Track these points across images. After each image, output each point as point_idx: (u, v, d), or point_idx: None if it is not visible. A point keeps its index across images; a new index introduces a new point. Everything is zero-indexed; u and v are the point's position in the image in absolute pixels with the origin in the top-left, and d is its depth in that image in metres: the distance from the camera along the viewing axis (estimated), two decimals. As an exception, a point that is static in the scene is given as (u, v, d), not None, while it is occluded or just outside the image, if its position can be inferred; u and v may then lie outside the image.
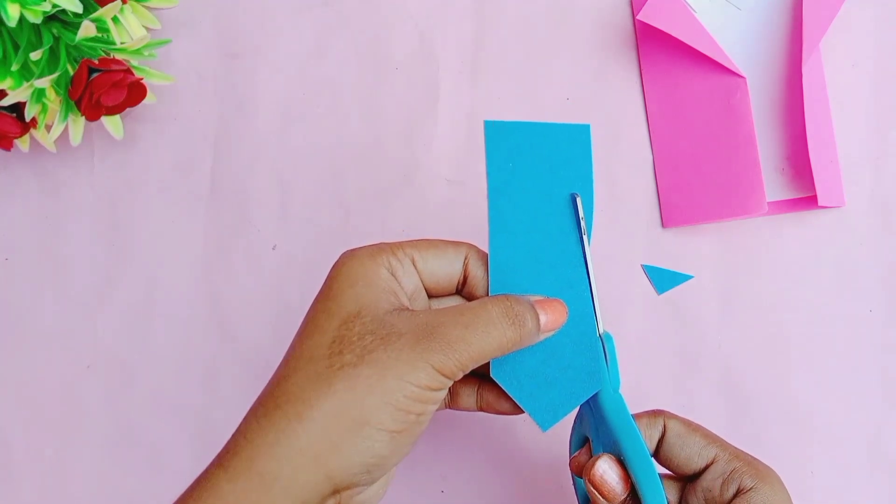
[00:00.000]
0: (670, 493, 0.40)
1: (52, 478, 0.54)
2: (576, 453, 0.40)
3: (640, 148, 0.52)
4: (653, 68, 0.51)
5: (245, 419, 0.35)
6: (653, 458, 0.37)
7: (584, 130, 0.39)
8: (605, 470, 0.37)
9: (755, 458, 0.39)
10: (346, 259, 0.37)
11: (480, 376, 0.41)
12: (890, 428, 0.50)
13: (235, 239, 0.54)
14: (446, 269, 0.38)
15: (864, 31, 0.50)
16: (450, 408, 0.41)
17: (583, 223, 0.39)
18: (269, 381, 0.36)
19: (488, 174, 0.39)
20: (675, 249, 0.51)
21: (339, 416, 0.33)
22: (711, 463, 0.38)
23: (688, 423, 0.39)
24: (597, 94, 0.52)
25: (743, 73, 0.49)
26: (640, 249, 0.51)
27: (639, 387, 0.51)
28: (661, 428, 0.39)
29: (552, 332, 0.38)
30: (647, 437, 0.39)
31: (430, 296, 0.39)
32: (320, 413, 0.33)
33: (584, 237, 0.39)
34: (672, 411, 0.40)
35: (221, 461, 0.34)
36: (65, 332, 0.54)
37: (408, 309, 0.36)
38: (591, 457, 0.39)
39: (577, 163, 0.39)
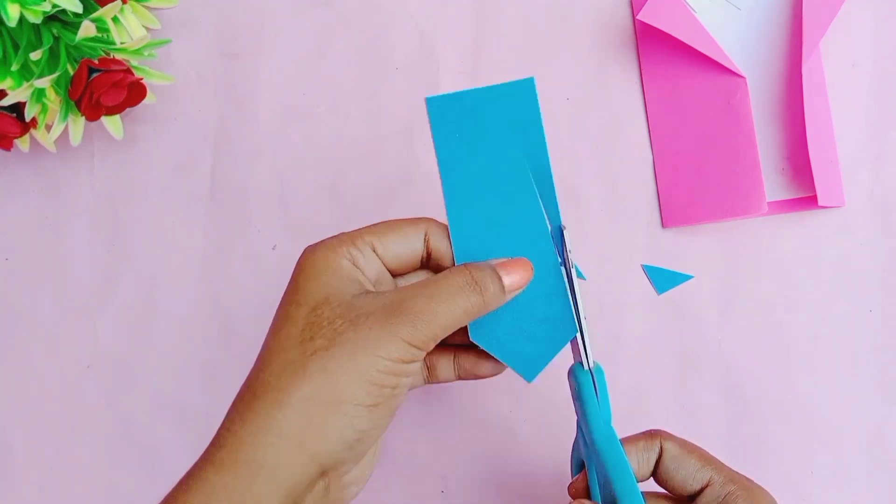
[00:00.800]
0: None
1: (52, 478, 0.54)
2: (574, 479, 0.41)
3: (640, 148, 0.52)
4: (653, 68, 0.51)
5: (227, 413, 0.36)
6: (642, 495, 0.37)
7: (528, 85, 0.39)
8: None
9: (751, 481, 0.39)
10: (309, 254, 0.38)
11: (455, 346, 0.42)
12: (890, 428, 0.50)
13: (235, 239, 0.54)
14: (407, 249, 0.39)
15: (864, 31, 0.50)
16: (430, 382, 0.42)
17: (568, 255, 0.39)
18: (248, 376, 0.37)
19: (437, 150, 0.40)
20: (675, 249, 0.51)
21: (315, 399, 0.34)
22: (707, 485, 0.39)
23: (684, 445, 0.40)
24: (597, 93, 0.52)
25: (743, 73, 0.49)
26: (640, 249, 0.51)
27: (639, 387, 0.51)
28: (657, 450, 0.39)
29: (519, 290, 0.39)
30: (645, 460, 0.39)
31: (396, 275, 0.40)
32: (297, 398, 0.34)
33: (569, 256, 0.40)
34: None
35: (208, 455, 0.35)
36: (65, 332, 0.54)
37: (373, 292, 0.37)
38: (587, 482, 0.40)
39: (525, 119, 0.39)
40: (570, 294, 0.40)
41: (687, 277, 0.51)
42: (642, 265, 0.51)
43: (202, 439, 0.54)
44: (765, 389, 0.50)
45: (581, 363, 0.40)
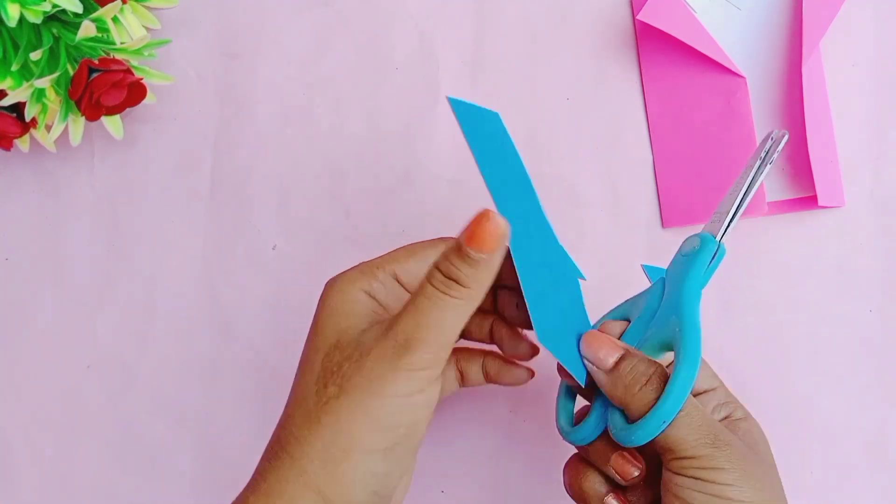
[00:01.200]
0: None
1: (52, 478, 0.54)
2: (569, 459, 0.41)
3: (640, 148, 0.52)
4: (653, 68, 0.51)
5: (259, 462, 0.37)
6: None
7: (490, 117, 0.40)
8: (600, 346, 0.38)
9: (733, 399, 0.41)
10: (328, 289, 0.38)
11: (484, 351, 0.42)
12: (890, 428, 0.50)
13: (235, 239, 0.54)
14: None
15: (864, 31, 0.50)
16: (464, 386, 0.42)
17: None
18: (277, 423, 0.37)
19: (471, 147, 0.39)
20: (675, 249, 0.51)
21: (329, 449, 0.34)
22: (711, 390, 0.40)
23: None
24: (597, 94, 0.52)
25: (743, 73, 0.49)
26: (640, 249, 0.51)
27: (639, 387, 0.51)
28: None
29: (492, 252, 0.35)
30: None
31: None
32: (313, 449, 0.35)
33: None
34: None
35: (243, 500, 0.36)
36: (65, 332, 0.54)
37: (378, 322, 0.37)
38: (585, 463, 0.40)
39: (494, 141, 0.40)
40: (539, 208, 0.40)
41: (687, 277, 0.51)
42: (642, 265, 0.51)
43: (202, 439, 0.54)
44: (765, 389, 0.50)
45: (713, 235, 0.40)
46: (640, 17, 0.48)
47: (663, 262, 0.51)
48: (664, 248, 0.51)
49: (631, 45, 0.52)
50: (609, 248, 0.51)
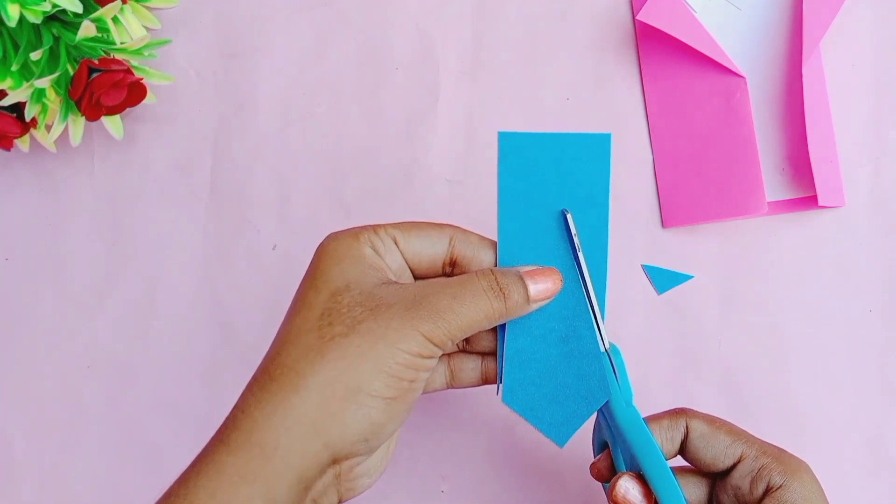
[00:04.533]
0: (701, 489, 0.40)
1: (52, 478, 0.54)
2: (595, 459, 0.41)
3: (640, 148, 0.52)
4: (653, 68, 0.51)
5: (242, 395, 0.36)
6: (672, 473, 0.37)
7: (604, 140, 0.39)
8: (628, 489, 0.37)
9: (783, 451, 0.38)
10: (330, 240, 0.38)
11: (482, 353, 0.41)
12: (890, 428, 0.50)
13: (235, 239, 0.54)
14: (430, 251, 0.39)
15: (864, 31, 0.50)
16: (452, 387, 0.42)
17: (576, 239, 0.39)
18: (263, 359, 0.36)
19: (499, 185, 0.39)
20: (675, 249, 0.51)
21: (333, 385, 0.34)
22: (739, 461, 0.38)
23: (711, 421, 0.39)
24: (597, 94, 0.52)
25: (743, 73, 0.49)
26: (640, 249, 0.51)
27: (639, 387, 0.51)
28: (683, 429, 0.39)
29: (546, 301, 0.38)
30: (670, 440, 0.39)
31: (417, 276, 0.40)
32: (315, 382, 0.34)
33: (580, 253, 0.39)
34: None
35: (221, 436, 0.35)
36: (65, 332, 0.54)
37: (395, 282, 0.37)
38: (610, 462, 0.40)
39: (593, 174, 0.39)
40: (581, 281, 0.39)
41: (687, 277, 0.51)
42: (642, 265, 0.51)
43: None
44: (765, 389, 0.50)
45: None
46: (640, 17, 0.48)
47: (663, 263, 0.51)
48: (664, 248, 0.51)
49: (631, 45, 0.52)
50: (609, 248, 0.51)
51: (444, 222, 0.40)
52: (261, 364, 0.36)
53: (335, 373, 0.34)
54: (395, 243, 0.38)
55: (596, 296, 0.39)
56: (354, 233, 0.38)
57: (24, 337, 0.54)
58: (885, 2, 0.50)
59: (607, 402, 0.39)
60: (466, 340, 0.41)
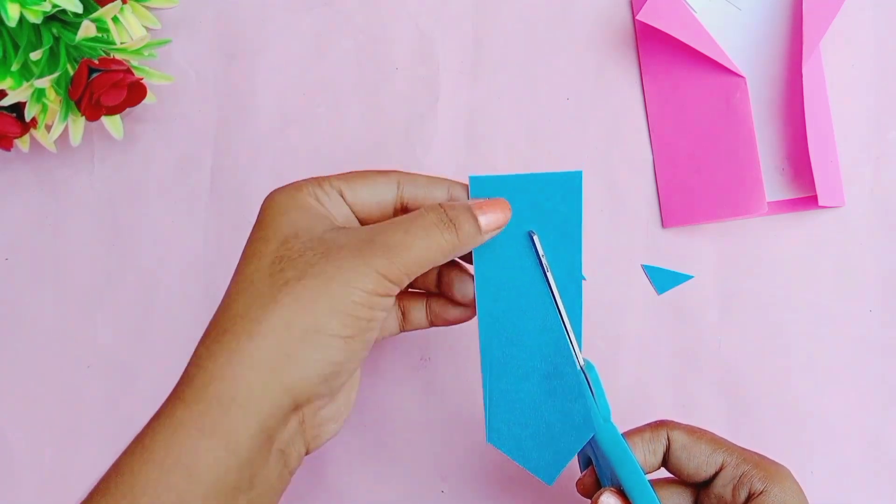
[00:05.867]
0: (685, 499, 0.40)
1: (52, 478, 0.54)
2: (581, 475, 0.41)
3: (640, 148, 0.52)
4: (653, 68, 0.51)
5: (195, 349, 0.35)
6: (651, 487, 0.37)
7: (575, 178, 0.39)
8: None
9: (764, 458, 0.39)
10: (274, 194, 0.38)
11: (427, 293, 0.42)
12: (890, 428, 0.50)
13: (235, 239, 0.54)
14: (377, 198, 0.39)
15: (864, 31, 0.50)
16: (404, 330, 0.42)
17: (544, 260, 0.39)
18: (215, 313, 0.36)
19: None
20: (675, 249, 0.51)
21: (289, 328, 0.34)
22: (720, 469, 0.38)
23: (692, 432, 0.39)
24: (597, 94, 0.52)
25: (743, 73, 0.49)
26: (640, 249, 0.51)
27: (639, 387, 0.51)
28: (664, 441, 0.39)
29: (496, 231, 0.38)
30: (652, 452, 0.39)
31: (364, 224, 0.39)
32: (269, 327, 0.34)
33: (549, 274, 0.39)
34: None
35: (176, 392, 0.34)
36: (65, 332, 0.54)
37: (345, 227, 0.37)
38: (595, 478, 0.40)
39: (566, 209, 0.39)
40: (552, 297, 0.39)
41: (687, 277, 0.51)
42: (642, 265, 0.51)
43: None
44: (765, 389, 0.50)
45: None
46: (639, 17, 0.48)
47: (663, 263, 0.51)
48: (664, 248, 0.51)
49: (631, 45, 0.52)
50: (609, 248, 0.51)
51: (390, 169, 0.40)
52: (213, 317, 0.36)
53: (290, 315, 0.34)
54: (342, 195, 0.38)
55: (569, 315, 0.40)
56: (297, 185, 0.38)
57: (24, 337, 0.54)
58: (885, 2, 0.50)
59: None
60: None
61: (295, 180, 0.38)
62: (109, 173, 0.54)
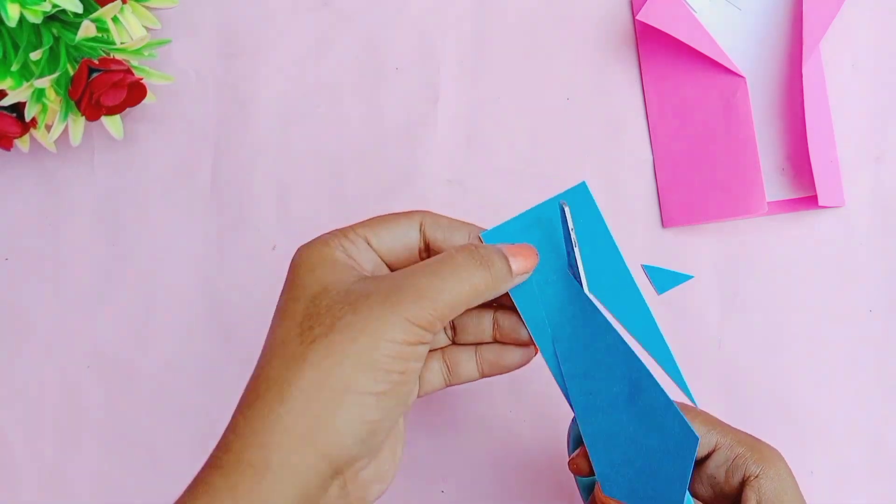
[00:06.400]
0: None
1: (52, 478, 0.54)
2: (574, 454, 0.40)
3: (640, 148, 0.52)
4: (653, 68, 0.51)
5: (232, 416, 0.34)
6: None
7: (582, 189, 0.38)
8: None
9: (758, 441, 0.38)
10: (301, 251, 0.37)
11: (476, 344, 0.40)
12: (890, 428, 0.50)
13: (235, 239, 0.54)
14: (403, 241, 0.38)
15: (864, 31, 0.50)
16: (451, 384, 0.40)
17: (572, 234, 0.37)
18: (251, 377, 0.35)
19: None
20: (675, 249, 0.51)
21: (318, 389, 0.32)
22: (714, 450, 0.38)
23: (686, 410, 0.38)
24: (597, 94, 0.52)
25: (743, 73, 0.49)
26: (640, 249, 0.51)
27: (639, 387, 0.51)
28: None
29: (526, 276, 0.37)
30: None
31: (394, 270, 0.39)
32: (299, 390, 0.33)
33: (577, 249, 0.37)
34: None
35: (213, 460, 0.34)
36: (65, 332, 0.54)
37: (372, 276, 0.36)
38: (588, 459, 0.39)
39: (585, 222, 0.38)
40: (578, 269, 0.38)
41: (687, 277, 0.51)
42: (642, 265, 0.51)
43: (202, 439, 0.54)
44: (765, 389, 0.50)
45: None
46: (639, 17, 0.48)
47: (663, 262, 0.51)
48: (664, 248, 0.51)
49: (631, 45, 0.52)
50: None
51: (413, 209, 0.39)
52: (248, 382, 0.35)
53: (319, 375, 0.33)
54: (368, 243, 0.37)
55: (640, 319, 0.38)
56: (324, 240, 0.37)
57: (24, 337, 0.54)
58: (885, 2, 0.50)
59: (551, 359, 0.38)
60: (455, 331, 0.40)
61: (322, 234, 0.37)
62: (109, 173, 0.54)
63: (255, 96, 0.54)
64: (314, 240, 0.37)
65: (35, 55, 0.46)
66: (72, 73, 0.47)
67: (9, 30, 0.46)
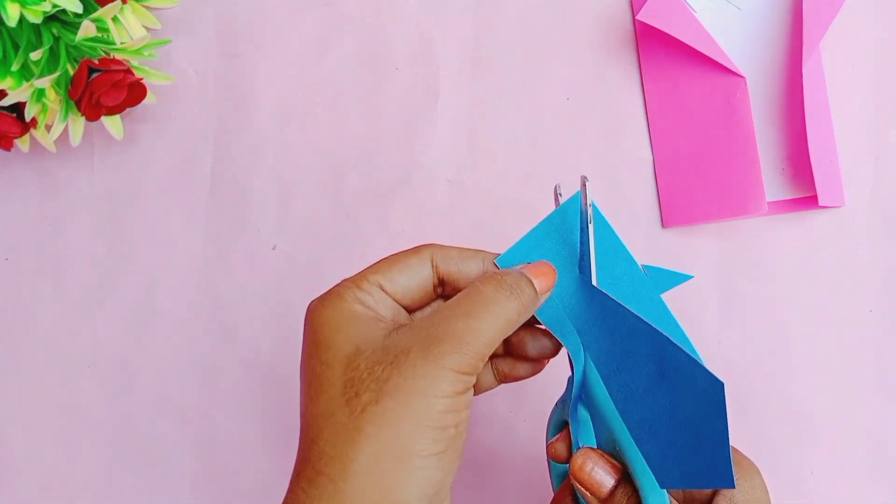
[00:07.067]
0: None
1: (52, 478, 0.54)
2: (553, 439, 0.39)
3: (640, 148, 0.52)
4: (653, 68, 0.51)
5: (291, 491, 0.34)
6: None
7: (579, 199, 0.39)
8: (593, 467, 0.37)
9: (737, 452, 0.38)
10: (317, 308, 0.36)
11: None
12: (890, 428, 0.50)
13: (235, 239, 0.54)
14: (417, 280, 0.37)
15: (864, 31, 0.50)
16: (474, 395, 0.39)
17: (589, 210, 0.38)
18: (299, 448, 0.34)
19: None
20: (675, 249, 0.51)
21: (380, 461, 0.32)
22: None
23: None
24: (597, 94, 0.52)
25: (743, 73, 0.49)
26: (640, 249, 0.51)
27: (639, 387, 0.51)
28: None
29: (549, 293, 0.37)
30: None
31: (412, 311, 0.38)
32: (360, 465, 0.32)
33: (594, 272, 0.38)
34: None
35: None
36: (65, 332, 0.54)
37: (402, 325, 0.35)
38: (569, 442, 0.39)
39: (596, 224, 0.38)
40: (590, 262, 0.38)
41: (687, 277, 0.51)
42: (642, 265, 0.52)
43: (202, 439, 0.54)
44: (765, 389, 0.50)
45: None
46: (639, 17, 0.48)
47: (663, 262, 0.51)
48: (664, 248, 0.51)
49: (631, 45, 0.52)
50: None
51: (421, 245, 0.38)
52: (298, 457, 0.34)
53: (379, 446, 0.32)
54: (382, 289, 0.36)
55: (649, 300, 0.39)
56: (337, 293, 0.36)
57: (24, 337, 0.54)
58: (885, 2, 0.50)
59: (585, 365, 0.37)
60: None
61: (331, 288, 0.36)
62: (109, 173, 0.54)
63: (255, 96, 0.54)
64: (327, 294, 0.36)
65: (35, 55, 0.46)
66: (72, 73, 0.47)
67: (9, 30, 0.46)
